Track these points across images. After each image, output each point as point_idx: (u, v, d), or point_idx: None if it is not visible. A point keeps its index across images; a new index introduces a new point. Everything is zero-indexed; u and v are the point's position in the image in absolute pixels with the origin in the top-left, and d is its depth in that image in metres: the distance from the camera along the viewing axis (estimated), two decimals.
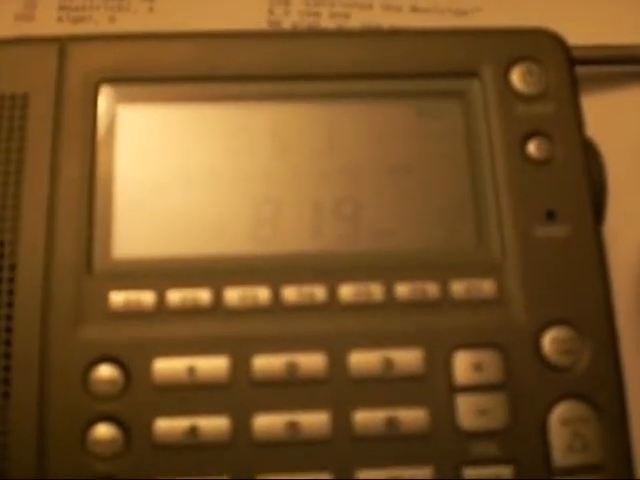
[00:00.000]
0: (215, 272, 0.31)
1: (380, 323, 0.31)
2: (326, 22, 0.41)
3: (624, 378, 0.31)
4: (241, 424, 0.30)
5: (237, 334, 0.30)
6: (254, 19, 0.41)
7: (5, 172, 0.32)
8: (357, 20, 0.41)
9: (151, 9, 0.41)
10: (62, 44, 0.34)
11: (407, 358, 0.30)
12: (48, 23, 0.41)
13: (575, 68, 0.35)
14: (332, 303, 0.31)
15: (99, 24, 0.41)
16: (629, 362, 0.33)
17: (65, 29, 0.41)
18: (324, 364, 0.30)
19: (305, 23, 0.41)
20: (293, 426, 0.30)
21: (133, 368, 0.30)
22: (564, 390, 0.31)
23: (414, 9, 0.41)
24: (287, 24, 0.41)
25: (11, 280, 0.31)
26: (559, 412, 0.30)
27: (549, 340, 0.31)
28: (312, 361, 0.30)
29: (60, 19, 0.41)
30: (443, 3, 0.41)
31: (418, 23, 0.41)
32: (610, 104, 0.39)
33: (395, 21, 0.41)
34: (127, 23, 0.41)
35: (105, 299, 0.31)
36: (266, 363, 0.30)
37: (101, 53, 0.34)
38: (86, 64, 0.34)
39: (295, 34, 0.37)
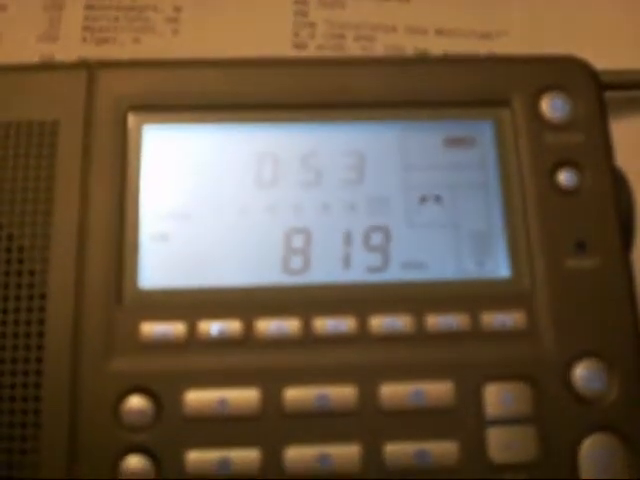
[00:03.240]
0: (246, 303, 0.31)
1: (410, 355, 0.31)
2: (351, 45, 0.41)
3: None
4: (272, 456, 0.30)
5: (268, 366, 0.31)
6: (279, 41, 0.41)
7: (35, 200, 0.32)
8: (382, 43, 0.41)
9: (176, 31, 0.41)
10: (90, 70, 0.34)
11: (438, 390, 0.30)
12: (72, 44, 0.41)
13: (604, 93, 0.35)
14: (362, 334, 0.31)
15: (123, 45, 0.41)
16: None
17: (89, 50, 0.41)
18: (355, 396, 0.30)
19: (330, 46, 0.41)
20: (324, 458, 0.30)
21: (164, 399, 0.30)
22: (594, 423, 0.31)
23: (439, 32, 0.41)
24: (312, 47, 0.41)
25: (42, 309, 0.31)
26: (589, 444, 0.31)
27: (579, 372, 0.31)
28: (343, 393, 0.30)
29: (84, 40, 0.41)
30: (468, 26, 0.41)
31: (443, 46, 0.41)
32: (638, 129, 0.39)
33: (420, 44, 0.41)
34: (151, 45, 0.41)
35: (136, 330, 0.31)
36: (297, 395, 0.30)
37: (130, 80, 0.34)
38: (115, 91, 0.34)
39: (323, 61, 0.37)
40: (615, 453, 0.31)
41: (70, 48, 0.41)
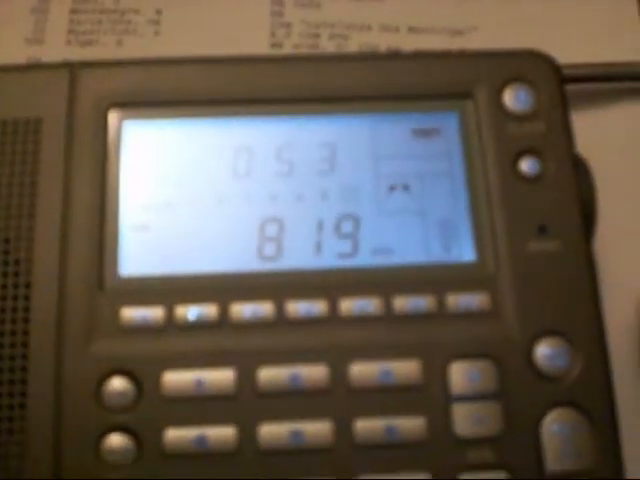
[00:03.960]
0: (221, 288, 0.33)
1: (379, 335, 0.32)
2: (326, 43, 0.42)
3: (614, 386, 0.33)
4: (247, 433, 0.31)
5: (243, 347, 0.32)
6: (257, 41, 0.42)
7: (20, 194, 0.34)
8: (356, 41, 0.42)
9: (157, 33, 0.43)
10: (72, 70, 0.36)
11: (405, 369, 0.32)
12: (57, 46, 0.42)
13: (565, 86, 0.37)
14: (333, 317, 0.32)
15: (106, 47, 0.42)
16: (622, 372, 0.35)
17: (74, 52, 0.42)
18: (326, 375, 0.32)
19: (306, 44, 0.42)
20: (297, 435, 0.31)
21: (144, 380, 0.31)
22: (556, 398, 0.32)
23: (411, 30, 0.43)
24: (288, 46, 0.42)
25: (27, 297, 0.32)
26: (551, 419, 0.32)
27: (541, 350, 0.32)
28: (314, 372, 0.32)
29: (69, 42, 0.43)
30: (439, 23, 0.43)
31: (415, 43, 0.42)
32: (599, 120, 0.41)
33: (393, 42, 0.42)
34: (134, 46, 0.42)
35: (116, 315, 0.32)
36: (271, 375, 0.32)
37: (111, 79, 0.35)
38: (96, 89, 0.35)
39: (297, 58, 0.38)
40: (577, 428, 0.32)
41: (55, 50, 0.42)
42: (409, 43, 0.42)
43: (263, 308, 0.32)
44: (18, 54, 0.42)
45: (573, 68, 0.39)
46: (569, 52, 0.38)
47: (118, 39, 0.42)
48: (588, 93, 0.41)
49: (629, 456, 0.32)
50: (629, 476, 0.32)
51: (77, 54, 0.42)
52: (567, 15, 0.43)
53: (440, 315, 0.33)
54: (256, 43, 0.42)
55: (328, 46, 0.42)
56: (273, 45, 0.42)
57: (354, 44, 0.42)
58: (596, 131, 0.39)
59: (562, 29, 0.43)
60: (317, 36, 0.42)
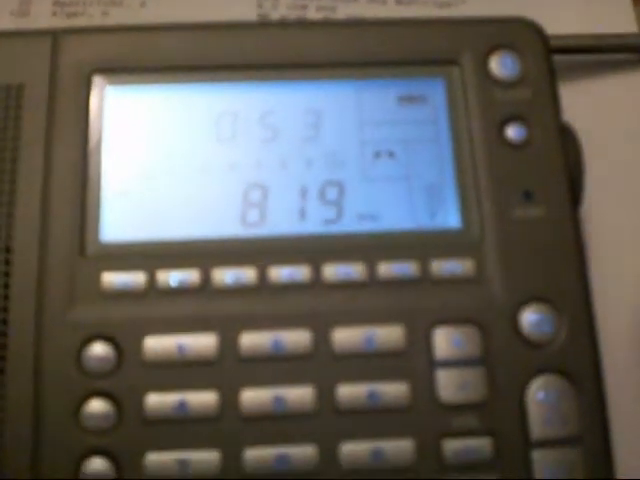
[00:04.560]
0: (204, 254, 0.32)
1: (363, 301, 0.32)
2: (313, 15, 0.42)
3: (600, 353, 0.32)
4: (229, 399, 0.31)
5: (225, 313, 0.32)
6: (244, 12, 0.42)
7: (1, 159, 0.33)
8: (343, 13, 0.42)
9: (143, 4, 0.42)
10: (55, 36, 0.35)
11: (389, 334, 0.32)
12: (43, 18, 0.42)
13: (554, 57, 0.36)
14: (316, 282, 0.32)
15: (92, 19, 0.42)
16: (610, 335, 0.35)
17: (59, 24, 0.42)
18: (308, 341, 0.31)
19: (293, 16, 0.42)
20: (279, 400, 0.31)
21: (125, 346, 0.31)
22: (541, 365, 0.32)
23: (399, 2, 0.42)
24: (275, 17, 0.42)
25: (7, 262, 0.32)
26: (537, 386, 0.32)
27: (526, 317, 0.32)
28: (297, 338, 0.31)
29: (54, 14, 0.42)
30: None
31: (402, 15, 0.42)
32: (589, 92, 0.40)
33: (380, 13, 0.42)
34: (120, 18, 0.42)
35: (97, 280, 0.32)
36: (253, 340, 0.31)
37: (93, 45, 0.35)
38: (78, 55, 0.35)
39: (282, 25, 0.38)
40: (562, 395, 0.32)
41: (41, 22, 0.42)
42: (396, 15, 0.42)
43: (245, 273, 0.32)
44: (3, 26, 0.42)
45: (561, 39, 0.38)
46: (557, 26, 0.38)
47: (104, 10, 0.42)
48: (576, 65, 0.40)
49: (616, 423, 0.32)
50: (630, 476, 0.32)
51: (63, 25, 0.42)
52: None
53: (424, 281, 0.32)
54: (243, 14, 0.42)
55: (315, 18, 0.42)
56: (260, 16, 0.42)
57: (341, 16, 0.42)
58: (585, 103, 0.39)
59: (550, 3, 0.43)
60: (304, 7, 0.42)
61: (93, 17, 0.42)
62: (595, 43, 0.40)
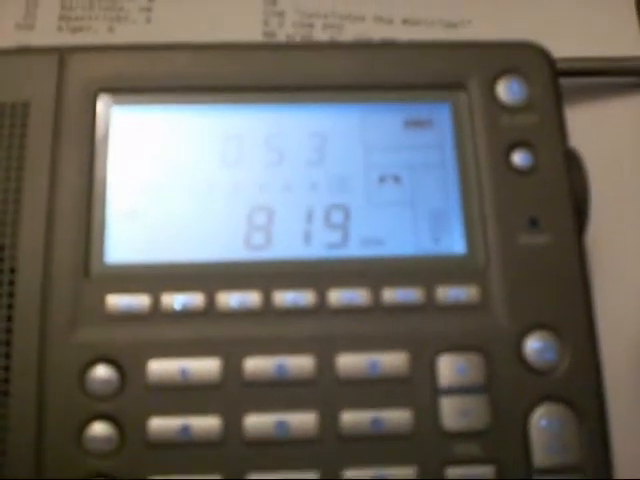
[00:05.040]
0: (208, 277, 0.32)
1: (367, 327, 0.32)
2: (319, 34, 0.42)
3: (603, 380, 0.32)
4: (232, 423, 0.31)
5: (229, 337, 0.32)
6: (250, 30, 0.42)
7: (6, 178, 0.33)
8: (350, 32, 0.42)
9: (149, 19, 0.42)
10: (62, 54, 0.35)
11: (393, 361, 0.32)
12: (48, 32, 0.42)
13: (559, 80, 0.36)
14: (321, 307, 0.32)
15: (98, 34, 0.42)
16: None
17: (65, 39, 0.42)
18: (312, 366, 0.31)
19: (299, 34, 0.42)
20: (282, 426, 0.31)
21: (128, 369, 0.31)
22: (545, 393, 0.32)
23: (405, 21, 0.42)
24: (281, 35, 0.42)
25: (11, 283, 0.32)
26: (540, 414, 0.32)
27: (530, 344, 0.32)
28: (301, 363, 0.31)
29: (60, 28, 0.42)
30: (433, 15, 0.43)
31: (409, 35, 0.42)
32: (594, 116, 0.40)
33: (387, 33, 0.42)
34: (125, 33, 0.42)
35: (102, 302, 0.32)
36: (256, 365, 0.31)
37: (99, 63, 0.35)
38: (85, 74, 0.35)
39: (289, 46, 0.38)
40: (565, 422, 0.32)
41: (46, 37, 0.42)
42: (403, 35, 0.42)
43: (250, 297, 0.32)
44: (8, 39, 0.42)
45: (568, 62, 0.38)
46: (563, 47, 0.38)
47: (110, 25, 0.42)
48: (583, 87, 0.40)
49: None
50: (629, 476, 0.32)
51: (68, 40, 0.42)
52: (562, 10, 0.43)
53: (429, 307, 0.32)
54: (249, 32, 0.42)
55: (322, 36, 0.42)
56: (266, 34, 0.42)
57: (348, 35, 0.42)
58: (591, 126, 0.39)
59: (557, 24, 0.43)
60: (311, 26, 0.42)
61: (99, 32, 0.42)
62: (601, 66, 0.40)
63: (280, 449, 0.31)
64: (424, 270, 0.33)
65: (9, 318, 0.31)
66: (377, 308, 0.32)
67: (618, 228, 0.38)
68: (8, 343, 0.31)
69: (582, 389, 0.32)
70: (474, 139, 0.34)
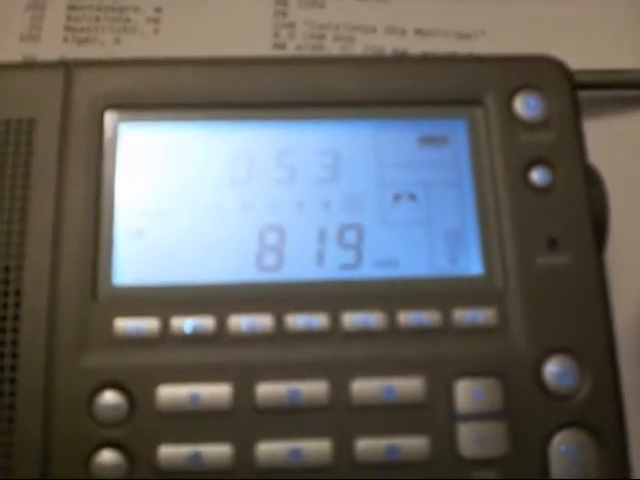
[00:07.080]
0: (219, 300, 0.31)
1: (382, 351, 0.31)
2: (330, 45, 0.41)
3: (624, 405, 0.31)
4: (244, 451, 0.30)
5: (240, 361, 0.31)
6: (259, 42, 0.41)
7: (11, 197, 0.32)
8: (361, 43, 0.41)
9: (156, 31, 0.41)
10: (68, 69, 0.34)
11: (409, 386, 0.31)
12: (54, 44, 0.41)
13: (577, 93, 0.35)
14: (335, 331, 0.31)
15: (104, 45, 0.41)
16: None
17: (70, 50, 0.41)
18: (326, 392, 0.31)
19: (309, 46, 0.41)
20: (296, 454, 0.30)
21: (137, 395, 0.30)
22: (564, 418, 0.31)
23: (418, 32, 0.41)
24: (292, 47, 0.41)
25: (17, 305, 0.31)
26: (559, 440, 0.31)
27: (549, 368, 0.31)
28: (314, 389, 0.31)
29: (65, 40, 0.41)
30: (447, 26, 0.42)
31: (422, 46, 0.41)
32: (612, 128, 0.39)
33: (399, 44, 0.41)
34: (132, 45, 0.41)
35: (110, 326, 0.31)
36: (269, 390, 0.30)
37: (107, 79, 0.34)
38: (92, 90, 0.34)
39: (300, 60, 0.37)
40: (586, 449, 0.31)
41: (52, 48, 0.41)
42: (415, 46, 0.41)
43: (262, 321, 0.31)
44: (13, 51, 0.41)
45: (585, 74, 0.37)
46: (577, 57, 0.37)
47: (116, 37, 0.41)
48: (600, 100, 0.39)
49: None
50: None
51: (74, 52, 0.41)
52: (576, 19, 0.42)
53: (445, 330, 0.32)
54: (259, 43, 0.41)
55: (333, 48, 0.41)
56: (276, 46, 0.41)
57: (359, 46, 0.41)
58: (608, 140, 0.38)
59: (570, 33, 0.42)
60: (321, 37, 0.41)
61: (105, 44, 0.41)
62: (619, 78, 0.39)
63: (293, 478, 0.30)
64: (440, 292, 0.32)
65: (14, 342, 0.31)
66: (392, 331, 0.31)
67: (637, 246, 0.37)
68: (14, 368, 0.30)
69: (603, 414, 0.31)
70: (491, 156, 0.34)
